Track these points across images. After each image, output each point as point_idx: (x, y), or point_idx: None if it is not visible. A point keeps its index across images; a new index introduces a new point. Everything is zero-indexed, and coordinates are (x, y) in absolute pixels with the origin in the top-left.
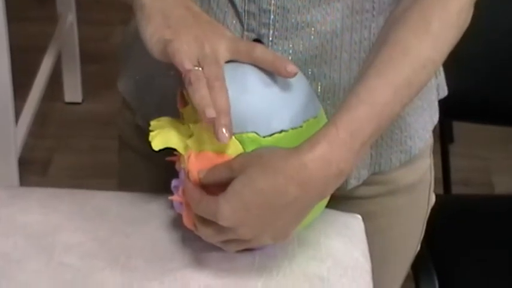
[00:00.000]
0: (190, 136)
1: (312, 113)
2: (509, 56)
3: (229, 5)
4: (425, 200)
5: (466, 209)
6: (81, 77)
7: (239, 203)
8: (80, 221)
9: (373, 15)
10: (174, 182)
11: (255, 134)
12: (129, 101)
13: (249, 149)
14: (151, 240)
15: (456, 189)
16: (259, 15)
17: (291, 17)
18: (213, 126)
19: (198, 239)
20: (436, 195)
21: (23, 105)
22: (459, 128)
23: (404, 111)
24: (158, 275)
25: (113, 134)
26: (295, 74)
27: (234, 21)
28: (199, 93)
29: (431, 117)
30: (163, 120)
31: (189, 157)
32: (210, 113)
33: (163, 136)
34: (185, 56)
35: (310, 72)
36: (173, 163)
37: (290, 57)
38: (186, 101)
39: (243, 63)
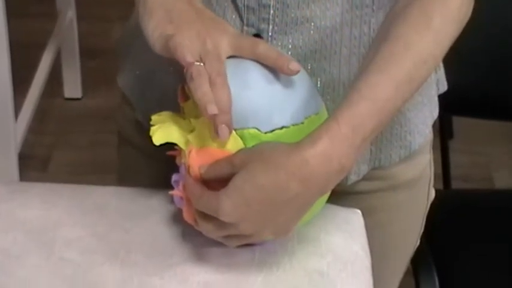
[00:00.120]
0: (191, 131)
1: (313, 109)
2: (509, 50)
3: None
4: (425, 195)
5: (466, 204)
6: (81, 73)
7: (240, 199)
8: (80, 216)
9: (373, 10)
10: (174, 177)
11: (256, 130)
12: (129, 96)
13: (250, 144)
14: (151, 235)
15: (456, 185)
16: (259, 10)
17: (291, 12)
18: (213, 122)
19: (198, 234)
20: (436, 190)
21: (22, 101)
22: (459, 123)
23: (405, 106)
24: (158, 270)
25: (113, 129)
26: (297, 72)
27: (234, 16)
28: (201, 90)
29: (431, 112)
30: (164, 114)
31: (190, 152)
32: (212, 109)
33: (164, 131)
34: (187, 50)
35: (309, 68)
36: (173, 158)
37: (290, 53)
38: (187, 96)
39: (245, 59)
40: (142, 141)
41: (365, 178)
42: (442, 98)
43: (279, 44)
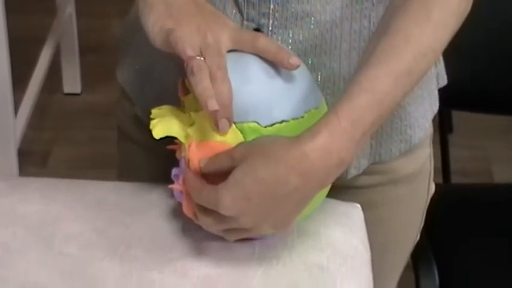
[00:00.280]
0: (191, 125)
1: (313, 103)
2: (509, 44)
3: None
4: (425, 189)
5: (466, 198)
6: (80, 68)
7: (240, 192)
8: (80, 211)
9: (373, 4)
10: (174, 171)
11: (256, 124)
12: (129, 91)
13: (250, 138)
14: (151, 230)
15: (455, 179)
16: (259, 4)
17: (291, 7)
18: (214, 117)
19: (198, 229)
20: (436, 185)
21: (22, 96)
22: (458, 117)
23: (405, 100)
24: (158, 264)
25: (112, 124)
26: (297, 67)
27: (234, 11)
28: (202, 84)
29: (431, 106)
30: (165, 108)
31: (189, 146)
32: (213, 105)
33: (164, 124)
34: (188, 44)
35: (310, 62)
36: (173, 152)
37: (290, 47)
38: (187, 90)
39: (246, 53)
40: (142, 137)
41: (365, 172)
42: (442, 92)
43: (279, 38)
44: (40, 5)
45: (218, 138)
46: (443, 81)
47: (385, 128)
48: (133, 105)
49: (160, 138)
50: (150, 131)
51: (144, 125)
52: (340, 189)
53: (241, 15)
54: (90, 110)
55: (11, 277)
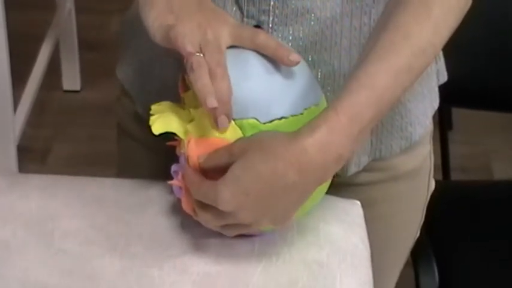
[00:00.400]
0: (190, 121)
1: (313, 100)
2: (509, 41)
3: None
4: (425, 186)
5: (465, 195)
6: (80, 65)
7: (238, 188)
8: (79, 208)
9: (373, 1)
10: (174, 167)
11: (255, 120)
12: (128, 88)
13: (249, 134)
14: (150, 227)
15: (455, 176)
16: (259, 1)
17: (291, 3)
18: (213, 114)
19: (198, 225)
20: (435, 182)
21: (21, 93)
22: (458, 114)
23: (405, 97)
24: (157, 261)
25: (112, 122)
26: (297, 63)
27: (234, 8)
28: (201, 81)
29: (431, 103)
30: (164, 104)
31: (188, 142)
32: (212, 102)
33: (163, 120)
34: (188, 40)
35: (310, 59)
36: (173, 149)
37: (290, 44)
38: (187, 86)
39: (245, 49)
40: (141, 134)
41: (365, 169)
42: (441, 89)
43: (280, 35)
44: (39, 1)
45: (217, 134)
46: (444, 77)
47: (386, 125)
48: (133, 102)
49: (160, 135)
50: (149, 127)
51: (144, 121)
52: (340, 186)
53: (241, 12)
54: (90, 107)
55: (10, 274)
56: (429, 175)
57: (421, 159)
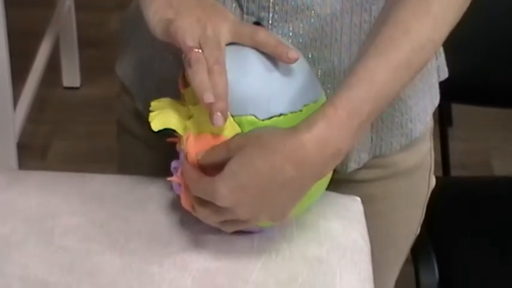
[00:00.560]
0: (190, 117)
1: (312, 97)
2: (509, 38)
3: None
4: (426, 183)
5: (465, 191)
6: (79, 61)
7: (236, 183)
8: (79, 205)
9: None
10: (173, 164)
11: (253, 117)
12: (128, 85)
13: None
14: (150, 223)
15: (455, 172)
16: None
17: (291, 0)
18: (209, 110)
19: (197, 222)
20: (436, 178)
21: (21, 90)
22: (458, 110)
23: (405, 94)
24: (157, 257)
25: (112, 118)
26: (296, 60)
27: (234, 5)
28: (199, 77)
29: (431, 99)
30: (164, 101)
31: (187, 139)
32: (208, 98)
33: (162, 117)
34: (188, 34)
35: (310, 56)
36: (173, 145)
37: (290, 41)
38: (187, 83)
39: (245, 46)
40: (141, 130)
41: (366, 166)
42: (441, 86)
43: (279, 32)
44: None
45: (216, 131)
46: (444, 74)
47: (386, 121)
48: (133, 99)
49: (160, 131)
50: (149, 124)
51: (143, 118)
52: (340, 183)
53: (241, 9)
54: (90, 103)
55: (10, 271)
56: (429, 172)
57: (421, 156)
